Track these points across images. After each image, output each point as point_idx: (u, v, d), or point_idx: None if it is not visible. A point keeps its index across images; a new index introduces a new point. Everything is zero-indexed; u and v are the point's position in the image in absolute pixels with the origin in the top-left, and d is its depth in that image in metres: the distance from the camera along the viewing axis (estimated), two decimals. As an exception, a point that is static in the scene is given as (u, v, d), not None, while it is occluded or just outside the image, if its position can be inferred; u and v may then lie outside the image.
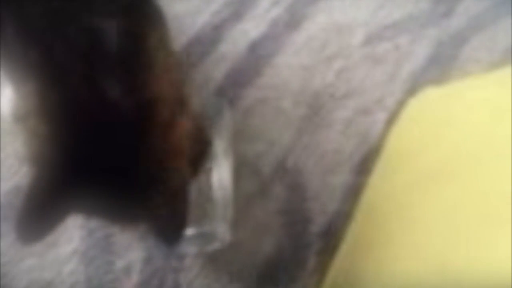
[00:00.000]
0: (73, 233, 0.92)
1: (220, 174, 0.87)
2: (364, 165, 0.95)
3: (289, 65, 1.08)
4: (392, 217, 0.72)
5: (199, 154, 0.66)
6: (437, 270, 0.57)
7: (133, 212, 0.60)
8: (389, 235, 0.69)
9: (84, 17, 0.56)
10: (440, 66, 1.07)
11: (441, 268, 0.56)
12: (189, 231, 0.80)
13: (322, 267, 0.85)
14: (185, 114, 0.60)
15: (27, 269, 0.89)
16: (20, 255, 0.89)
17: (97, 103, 0.55)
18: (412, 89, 1.03)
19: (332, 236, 0.89)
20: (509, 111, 0.68)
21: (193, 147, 0.62)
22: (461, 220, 0.58)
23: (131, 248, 0.91)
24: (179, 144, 0.58)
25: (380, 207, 0.77)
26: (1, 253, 0.89)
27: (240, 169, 0.96)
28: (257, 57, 1.09)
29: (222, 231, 0.84)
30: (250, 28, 1.12)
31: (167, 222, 0.58)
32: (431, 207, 0.69)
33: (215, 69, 1.08)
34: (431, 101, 0.94)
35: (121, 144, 0.55)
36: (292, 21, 1.12)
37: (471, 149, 0.69)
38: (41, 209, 0.57)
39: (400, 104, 1.00)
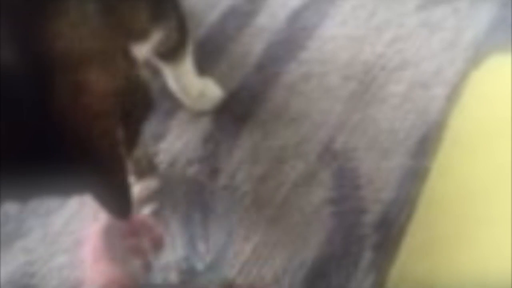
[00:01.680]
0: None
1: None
2: (423, 146, 0.88)
3: (335, 37, 1.01)
4: (465, 209, 0.63)
5: (135, 110, 0.60)
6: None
7: (71, 185, 0.53)
8: (463, 231, 0.61)
9: None
10: (506, 31, 0.97)
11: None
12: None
13: (379, 264, 0.77)
14: (104, 72, 0.54)
15: (58, 267, 0.84)
16: (50, 253, 0.85)
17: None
18: (475, 59, 0.93)
19: (389, 228, 0.81)
20: None
21: (123, 103, 0.56)
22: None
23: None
24: (96, 105, 0.53)
25: (450, 198, 0.68)
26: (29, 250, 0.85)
27: (284, 153, 0.89)
28: (298, 28, 1.02)
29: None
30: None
31: (107, 191, 0.52)
32: (505, 199, 0.59)
33: (253, 43, 1.01)
34: (498, 72, 0.84)
35: (33, 117, 0.49)
36: (336, -13, 1.04)
37: None
38: None
39: (462, 76, 0.90)
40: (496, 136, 0.71)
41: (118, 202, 0.53)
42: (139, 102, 0.59)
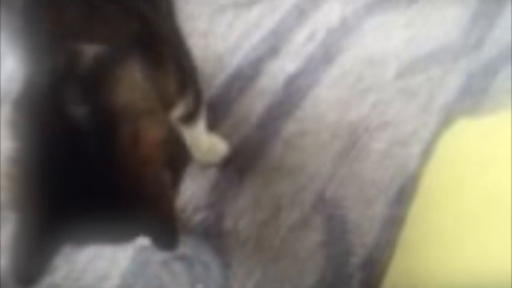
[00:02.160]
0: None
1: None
2: (401, 196, 0.99)
3: (326, 99, 1.13)
4: (437, 251, 0.75)
5: (177, 157, 0.70)
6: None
7: (124, 228, 0.61)
8: (435, 269, 0.73)
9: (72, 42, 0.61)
10: (473, 97, 1.11)
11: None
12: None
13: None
14: (154, 124, 0.66)
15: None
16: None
17: (64, 130, 0.57)
18: (446, 120, 1.07)
19: (373, 267, 0.92)
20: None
21: (168, 152, 0.65)
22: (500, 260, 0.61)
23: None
24: (150, 151, 0.62)
25: (424, 241, 0.81)
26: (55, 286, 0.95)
27: (281, 201, 1.01)
28: (294, 91, 1.14)
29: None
30: (287, 63, 1.18)
31: (159, 227, 0.59)
32: (472, 241, 0.72)
33: (255, 103, 1.13)
34: (466, 133, 0.97)
35: (94, 165, 0.57)
36: (326, 56, 1.18)
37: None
38: (34, 250, 0.58)
39: (435, 136, 1.03)
40: (464, 187, 0.84)
41: (170, 237, 0.60)
42: (180, 150, 0.69)
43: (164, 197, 0.60)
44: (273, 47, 1.20)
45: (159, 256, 0.90)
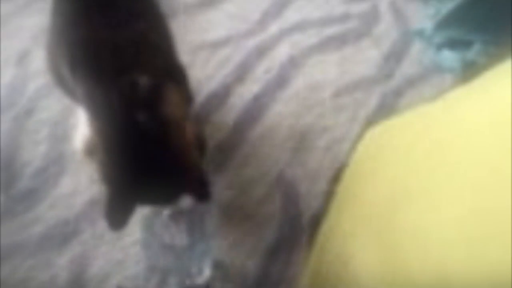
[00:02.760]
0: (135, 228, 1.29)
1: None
2: (337, 177, 1.35)
3: (281, 112, 1.50)
4: (355, 214, 1.08)
5: (201, 145, 1.00)
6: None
7: (175, 190, 0.90)
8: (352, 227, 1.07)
9: (128, 75, 0.88)
10: (385, 112, 1.50)
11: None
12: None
13: (311, 245, 1.24)
14: (189, 125, 0.94)
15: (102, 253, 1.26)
16: (96, 243, 1.26)
17: (135, 132, 0.84)
18: (367, 127, 1.45)
19: (317, 225, 1.28)
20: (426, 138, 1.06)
21: (197, 141, 0.96)
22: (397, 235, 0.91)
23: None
24: (190, 140, 0.91)
25: (347, 206, 1.16)
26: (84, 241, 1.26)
27: (250, 182, 1.36)
28: (257, 107, 1.50)
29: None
30: (251, 87, 1.54)
31: (197, 186, 0.89)
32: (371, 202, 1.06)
33: (227, 116, 1.48)
34: (378, 134, 1.36)
35: (154, 149, 0.84)
36: (281, 81, 1.56)
37: (423, 167, 0.95)
38: (118, 207, 0.88)
39: (359, 137, 1.42)
40: (376, 170, 1.19)
41: (205, 192, 0.91)
42: (203, 140, 1.01)
43: (197, 167, 0.92)
44: (240, 76, 1.56)
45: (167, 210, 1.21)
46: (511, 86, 0.78)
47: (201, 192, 0.92)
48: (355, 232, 1.03)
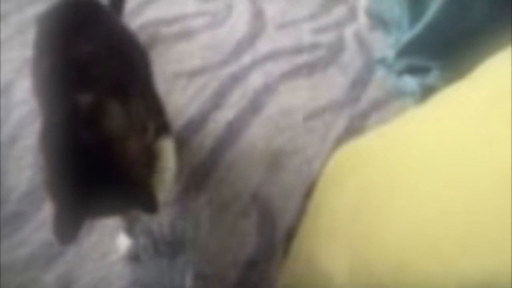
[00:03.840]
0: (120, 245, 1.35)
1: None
2: (309, 193, 1.44)
3: (255, 135, 1.59)
4: (325, 225, 1.17)
5: (150, 161, 1.00)
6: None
7: (121, 206, 0.92)
8: (319, 239, 1.16)
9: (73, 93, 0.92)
10: (352, 133, 1.60)
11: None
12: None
13: (286, 256, 1.32)
14: (134, 141, 0.93)
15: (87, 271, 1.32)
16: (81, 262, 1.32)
17: (77, 149, 0.85)
18: (336, 147, 1.55)
19: (291, 239, 1.36)
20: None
21: (146, 156, 0.97)
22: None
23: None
24: (132, 156, 0.92)
25: (317, 219, 1.25)
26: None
27: (227, 199, 1.44)
28: (232, 131, 1.59)
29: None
30: (227, 112, 1.64)
31: (144, 201, 0.90)
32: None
33: (205, 140, 1.57)
34: (345, 153, 1.46)
35: (101, 167, 0.85)
36: (255, 107, 1.66)
37: (382, 180, 1.04)
38: (66, 221, 0.87)
39: (329, 155, 1.51)
40: (342, 185, 1.28)
41: (151, 207, 0.92)
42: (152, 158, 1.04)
43: (143, 182, 0.94)
44: (216, 102, 1.66)
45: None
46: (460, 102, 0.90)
47: (147, 205, 0.94)
48: (325, 241, 1.12)
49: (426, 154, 0.91)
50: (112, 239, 1.36)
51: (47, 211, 1.41)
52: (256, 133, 1.60)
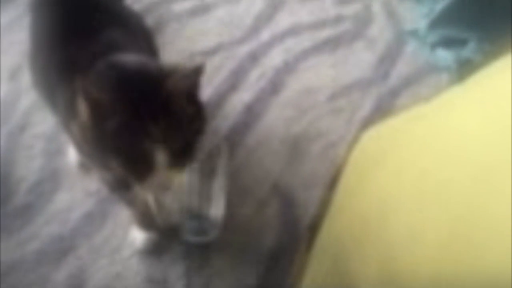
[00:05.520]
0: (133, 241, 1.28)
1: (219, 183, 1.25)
2: (333, 183, 1.34)
3: (274, 119, 1.49)
4: (352, 219, 1.07)
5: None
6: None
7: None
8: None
9: None
10: (381, 113, 1.49)
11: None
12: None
13: (309, 251, 1.23)
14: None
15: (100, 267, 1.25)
16: (94, 257, 1.25)
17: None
18: (363, 130, 1.43)
19: (314, 231, 1.26)
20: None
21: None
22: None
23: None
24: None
25: (343, 212, 1.15)
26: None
27: (247, 189, 1.35)
28: (250, 115, 1.49)
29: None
30: (245, 94, 1.54)
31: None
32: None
33: (221, 124, 1.48)
34: (374, 136, 1.35)
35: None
36: (275, 87, 1.55)
37: (416, 172, 0.94)
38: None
39: (355, 139, 1.40)
40: (371, 173, 1.18)
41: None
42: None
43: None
44: (233, 83, 1.56)
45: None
46: (509, 83, 0.77)
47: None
48: (352, 238, 1.02)
49: (473, 141, 0.78)
50: (124, 233, 1.28)
51: (57, 203, 1.34)
52: (276, 116, 1.50)
